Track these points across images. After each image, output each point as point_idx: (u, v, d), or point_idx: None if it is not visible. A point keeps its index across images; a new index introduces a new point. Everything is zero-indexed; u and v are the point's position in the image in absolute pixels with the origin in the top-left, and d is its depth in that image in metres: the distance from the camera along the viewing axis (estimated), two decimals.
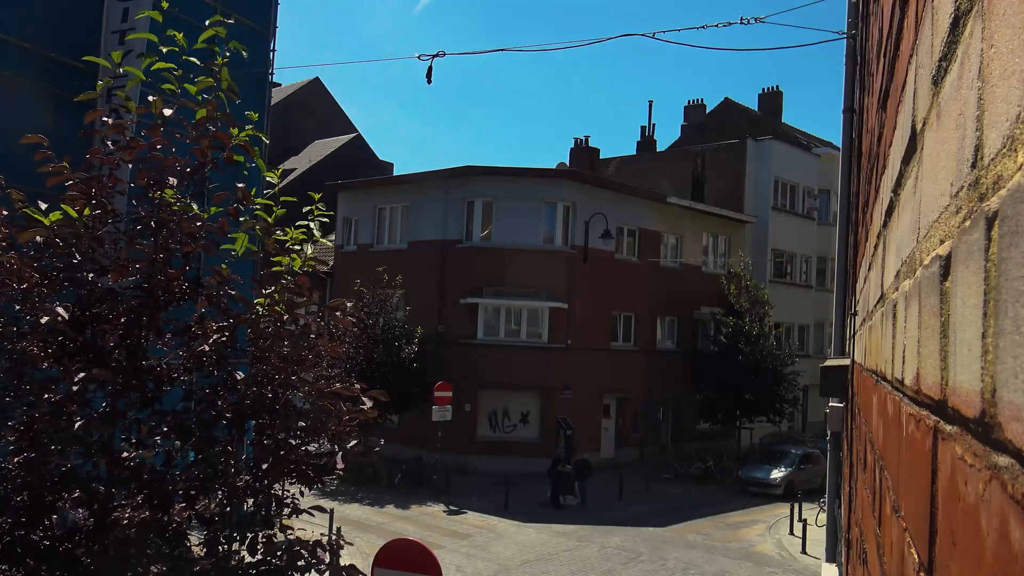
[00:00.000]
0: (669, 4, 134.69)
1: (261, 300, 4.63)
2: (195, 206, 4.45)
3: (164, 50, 4.36)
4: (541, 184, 27.87)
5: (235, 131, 4.56)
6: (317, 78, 48.99)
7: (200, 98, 4.48)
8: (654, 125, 49.35)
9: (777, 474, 25.41)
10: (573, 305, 27.14)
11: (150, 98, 4.44)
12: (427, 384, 24.55)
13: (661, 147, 42.88)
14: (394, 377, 24.33)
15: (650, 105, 49.38)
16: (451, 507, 21.69)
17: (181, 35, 4.43)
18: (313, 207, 4.95)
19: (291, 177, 38.14)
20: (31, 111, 11.67)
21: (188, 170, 4.49)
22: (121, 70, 4.41)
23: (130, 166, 4.51)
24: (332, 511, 15.87)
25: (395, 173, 40.99)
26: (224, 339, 4.35)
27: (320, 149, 44.34)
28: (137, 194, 4.50)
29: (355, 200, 31.60)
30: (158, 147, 4.38)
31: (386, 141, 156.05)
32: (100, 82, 4.53)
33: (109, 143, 4.43)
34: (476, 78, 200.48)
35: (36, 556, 3.86)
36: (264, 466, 4.34)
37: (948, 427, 0.73)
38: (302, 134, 44.95)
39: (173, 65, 4.37)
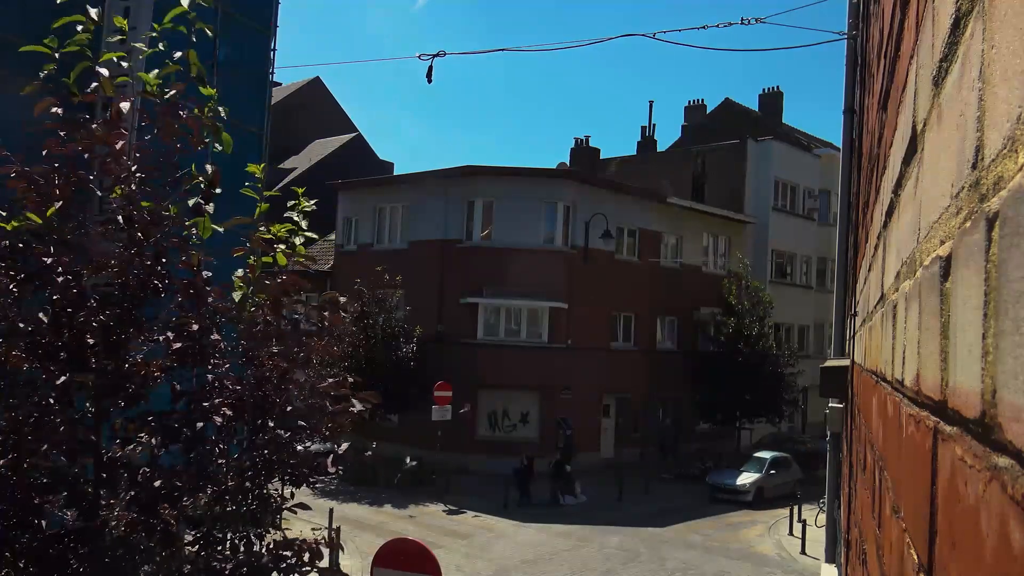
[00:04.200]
0: (669, 4, 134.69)
1: (242, 287, 4.52)
2: (149, 200, 4.32)
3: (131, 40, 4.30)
4: (541, 184, 27.88)
5: (203, 111, 4.44)
6: (317, 78, 48.98)
7: (157, 85, 4.36)
8: (654, 125, 49.38)
9: (746, 479, 24.34)
10: (573, 305, 27.14)
11: (96, 82, 4.24)
12: (427, 384, 24.56)
13: (661, 147, 42.89)
14: (393, 377, 24.33)
15: (650, 105, 49.48)
16: (451, 507, 21.69)
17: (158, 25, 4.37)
18: (298, 200, 4.84)
19: (291, 177, 38.12)
20: (32, 110, 11.65)
21: (160, 160, 4.39)
22: (58, 54, 4.26)
23: (97, 157, 4.37)
24: (332, 510, 15.89)
25: (395, 173, 40.97)
26: (204, 333, 4.27)
27: (320, 149, 44.34)
28: (106, 187, 4.40)
29: (355, 200, 31.61)
30: (119, 143, 4.25)
31: (386, 141, 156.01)
32: (42, 73, 4.27)
33: (61, 133, 4.28)
34: (476, 78, 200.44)
35: (25, 558, 3.84)
36: (255, 465, 4.31)
37: (948, 428, 0.73)
38: (302, 134, 44.93)
39: (123, 53, 4.30)
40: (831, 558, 6.95)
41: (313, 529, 4.67)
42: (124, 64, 4.37)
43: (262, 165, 4.89)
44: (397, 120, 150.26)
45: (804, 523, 18.75)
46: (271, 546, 4.29)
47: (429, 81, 10.74)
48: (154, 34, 4.35)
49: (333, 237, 32.81)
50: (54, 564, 3.88)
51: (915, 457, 0.96)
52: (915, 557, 0.94)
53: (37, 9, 13.44)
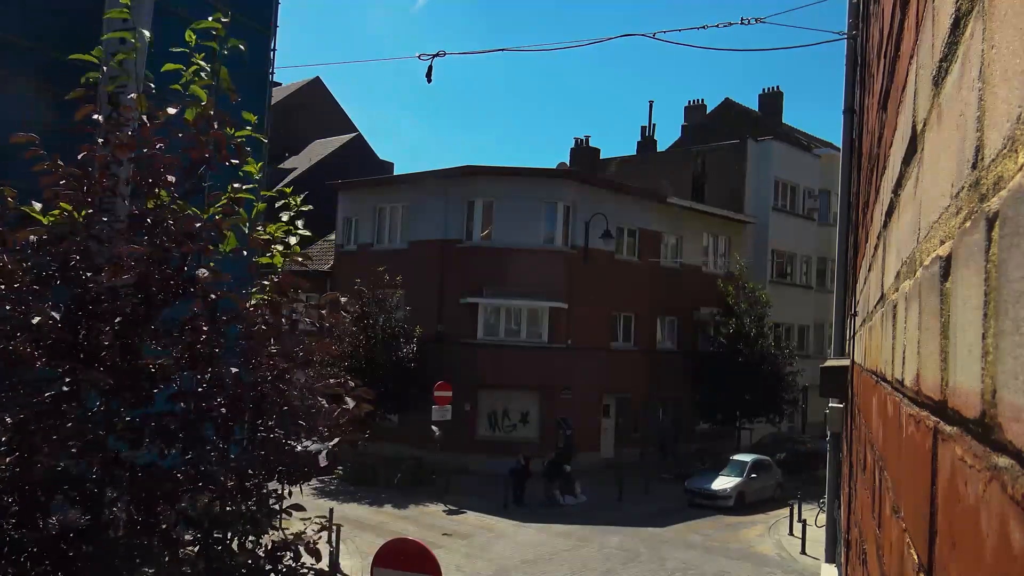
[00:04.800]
0: (669, 4, 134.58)
1: (254, 293, 4.59)
2: (182, 203, 4.40)
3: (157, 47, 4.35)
4: (541, 184, 27.88)
5: (231, 130, 4.53)
6: (318, 78, 48.98)
7: (203, 97, 4.45)
8: (654, 125, 49.42)
9: (726, 484, 23.16)
10: (573, 305, 27.14)
11: (132, 95, 4.40)
12: (427, 384, 24.55)
13: (661, 147, 42.88)
14: (393, 377, 24.30)
15: (650, 105, 49.49)
16: (451, 507, 21.68)
17: (194, 37, 4.41)
18: (289, 200, 4.85)
19: (291, 177, 38.12)
20: (32, 110, 11.67)
21: (186, 168, 4.45)
22: (105, 67, 4.37)
23: (125, 163, 4.46)
24: (332, 510, 15.88)
25: (395, 173, 40.98)
26: (214, 338, 4.29)
27: (320, 149, 44.33)
28: (133, 192, 4.46)
29: (355, 200, 31.61)
30: (157, 146, 4.34)
31: (386, 141, 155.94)
32: (87, 78, 4.44)
33: (100, 140, 4.37)
34: (476, 78, 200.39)
35: (28, 556, 3.84)
36: (254, 466, 4.31)
37: (948, 428, 0.73)
38: (302, 134, 44.93)
39: (181, 65, 4.35)
40: (831, 558, 6.95)
41: (303, 519, 4.65)
42: (183, 74, 4.43)
43: (259, 164, 4.91)
44: (397, 120, 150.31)
45: (804, 523, 18.75)
46: (269, 547, 4.30)
47: (429, 81, 10.76)
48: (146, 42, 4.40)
49: (333, 237, 32.80)
50: (58, 563, 3.88)
51: (915, 457, 0.96)
52: (915, 557, 0.94)
53: (37, 9, 13.45)
